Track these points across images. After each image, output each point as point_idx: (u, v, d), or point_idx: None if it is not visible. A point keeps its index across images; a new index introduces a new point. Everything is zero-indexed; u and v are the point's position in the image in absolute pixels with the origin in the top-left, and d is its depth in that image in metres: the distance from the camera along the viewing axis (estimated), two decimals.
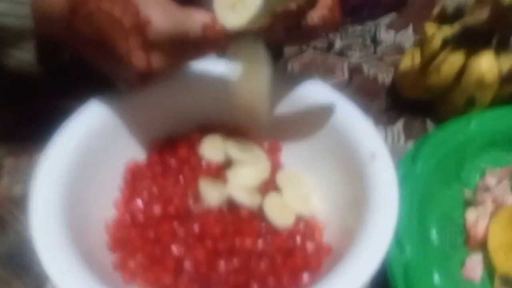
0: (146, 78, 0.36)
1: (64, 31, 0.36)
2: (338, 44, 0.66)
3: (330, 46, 0.65)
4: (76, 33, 0.35)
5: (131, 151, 0.43)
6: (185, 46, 0.35)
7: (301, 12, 0.37)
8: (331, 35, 0.67)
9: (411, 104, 0.56)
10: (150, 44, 0.33)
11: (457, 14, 0.48)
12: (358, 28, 0.68)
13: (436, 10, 0.50)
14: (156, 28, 0.33)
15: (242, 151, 0.42)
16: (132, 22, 0.33)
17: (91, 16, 0.33)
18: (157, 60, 0.34)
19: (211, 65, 0.43)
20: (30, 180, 0.45)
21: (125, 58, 0.34)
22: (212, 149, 0.43)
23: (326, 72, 0.61)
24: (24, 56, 0.37)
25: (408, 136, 0.54)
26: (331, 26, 0.40)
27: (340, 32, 0.67)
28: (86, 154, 0.39)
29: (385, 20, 0.69)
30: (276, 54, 0.62)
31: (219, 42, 0.35)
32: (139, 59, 0.34)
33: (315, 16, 0.38)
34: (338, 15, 0.40)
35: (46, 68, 0.39)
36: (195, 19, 0.34)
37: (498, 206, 0.44)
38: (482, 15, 0.44)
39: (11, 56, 0.37)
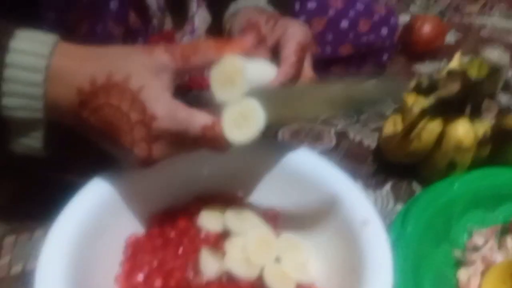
0: (146, 165, 0.38)
1: (72, 119, 0.38)
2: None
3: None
4: (83, 122, 0.37)
5: (132, 226, 0.44)
6: (184, 142, 0.37)
7: None
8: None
9: (397, 167, 0.59)
10: (152, 137, 0.36)
11: (431, 87, 0.52)
12: (352, 111, 0.72)
13: (412, 84, 0.54)
14: (160, 124, 0.36)
15: (240, 220, 0.44)
16: (139, 117, 0.36)
17: (99, 109, 0.36)
18: (157, 151, 0.37)
19: None
20: (30, 258, 0.46)
21: (128, 147, 0.37)
22: (210, 219, 0.44)
23: (314, 139, 0.65)
24: (32, 143, 0.39)
25: (396, 199, 0.56)
26: None
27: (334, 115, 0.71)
28: (89, 232, 0.40)
29: None
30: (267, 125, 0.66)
31: (217, 143, 0.37)
32: (141, 149, 0.37)
33: None
34: None
35: (51, 151, 0.41)
36: (196, 119, 0.36)
37: (487, 265, 0.46)
38: (453, 88, 0.49)
39: (19, 143, 0.39)
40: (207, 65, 0.38)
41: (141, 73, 0.36)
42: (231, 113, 0.37)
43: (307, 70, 0.43)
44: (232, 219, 0.44)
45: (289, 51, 0.41)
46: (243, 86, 0.37)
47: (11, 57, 0.35)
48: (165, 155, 0.38)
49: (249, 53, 0.40)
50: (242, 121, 0.37)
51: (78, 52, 0.37)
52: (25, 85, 0.36)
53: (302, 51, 0.41)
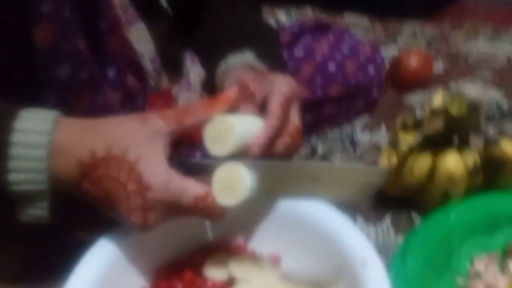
0: (142, 230, 0.41)
1: (73, 190, 0.40)
2: (320, 149, 0.72)
3: (313, 151, 0.71)
4: (83, 191, 0.40)
5: (139, 280, 0.45)
6: (178, 210, 0.40)
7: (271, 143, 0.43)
8: (313, 142, 0.73)
9: (395, 200, 0.60)
10: (147, 206, 0.39)
11: (417, 124, 0.54)
12: (337, 132, 0.75)
13: (398, 123, 0.57)
14: (154, 194, 0.38)
15: (245, 268, 0.45)
16: (135, 187, 0.38)
17: (99, 180, 0.39)
18: (152, 219, 0.40)
19: None
20: None
21: (125, 215, 0.39)
22: (215, 269, 0.46)
23: None
24: (38, 213, 0.41)
25: (396, 231, 0.57)
26: (293, 151, 0.46)
27: (321, 138, 0.74)
28: None
29: (360, 122, 0.76)
30: None
31: (210, 212, 0.40)
32: (137, 217, 0.39)
33: (279, 145, 0.44)
34: (299, 141, 0.46)
35: (57, 218, 0.43)
36: (189, 190, 0.39)
37: None
38: (437, 125, 0.51)
39: (25, 213, 0.41)
40: (200, 125, 0.41)
41: (138, 145, 0.39)
42: (219, 179, 0.40)
43: (294, 119, 0.46)
44: (237, 267, 0.45)
45: (274, 105, 0.43)
46: (233, 141, 0.40)
47: (16, 137, 0.38)
48: (159, 222, 0.40)
49: (236, 107, 0.43)
50: (230, 186, 0.39)
51: (78, 126, 0.40)
52: (30, 160, 0.38)
53: (287, 102, 0.44)
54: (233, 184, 0.39)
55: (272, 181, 0.42)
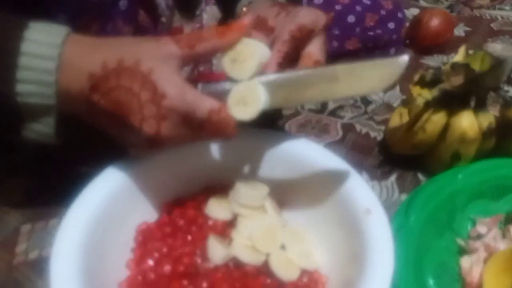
0: (154, 144, 0.40)
1: (82, 104, 0.40)
2: (331, 105, 0.71)
3: (324, 107, 0.70)
4: (93, 106, 0.39)
5: (143, 214, 0.46)
6: (191, 124, 0.39)
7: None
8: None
9: (402, 159, 0.60)
10: (161, 115, 0.38)
11: (435, 79, 0.53)
12: (353, 96, 0.73)
13: (416, 77, 0.55)
14: (169, 102, 0.37)
15: (250, 194, 0.45)
16: (149, 95, 0.37)
17: (110, 92, 0.38)
18: (165, 130, 0.39)
19: None
20: (46, 245, 0.48)
21: (137, 125, 0.38)
22: (218, 208, 0.46)
23: (321, 132, 0.66)
24: (43, 129, 0.41)
25: (401, 190, 0.57)
26: None
27: (337, 100, 0.72)
28: (102, 219, 0.41)
29: None
30: (276, 116, 0.67)
31: (223, 128, 0.39)
32: (150, 127, 0.38)
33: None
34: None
35: (63, 139, 0.43)
36: (204, 102, 0.38)
37: (490, 253, 0.46)
38: (457, 81, 0.49)
39: (31, 129, 0.41)
40: (212, 52, 0.40)
41: (151, 58, 0.38)
42: (235, 93, 0.40)
43: (315, 53, 0.44)
44: (239, 206, 0.45)
45: (284, 30, 0.42)
46: (254, 65, 0.40)
47: (26, 46, 0.37)
48: (172, 136, 0.39)
49: (248, 35, 0.41)
50: (244, 100, 0.40)
51: (89, 41, 0.39)
52: (39, 72, 0.38)
53: (299, 31, 0.42)
54: (247, 98, 0.39)
55: (288, 91, 0.41)
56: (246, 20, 0.41)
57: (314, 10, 0.45)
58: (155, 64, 0.38)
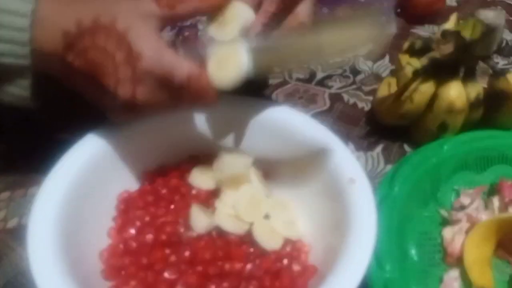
0: (130, 109, 0.38)
1: (56, 64, 0.38)
2: (319, 75, 0.69)
3: (312, 77, 0.69)
4: (68, 66, 0.37)
5: (124, 182, 0.45)
6: (170, 89, 0.37)
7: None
8: (312, 67, 0.71)
9: (389, 130, 0.59)
10: (137, 78, 0.36)
11: (425, 48, 0.52)
12: (338, 59, 0.72)
13: (405, 45, 0.54)
14: (145, 63, 0.36)
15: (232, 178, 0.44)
16: (124, 56, 0.36)
17: (85, 52, 0.36)
18: (141, 93, 0.37)
19: None
20: (25, 212, 0.47)
21: (112, 88, 0.36)
22: (201, 177, 0.45)
23: (308, 102, 0.65)
24: (19, 92, 0.39)
25: (387, 161, 0.57)
26: None
27: (321, 63, 0.71)
28: (81, 186, 0.41)
29: (362, 50, 0.73)
30: (262, 85, 0.66)
31: (203, 94, 0.37)
32: (125, 90, 0.36)
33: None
34: None
35: (40, 103, 0.41)
36: (183, 66, 0.36)
37: (472, 223, 0.47)
38: (447, 49, 0.48)
39: (6, 92, 0.39)
40: (193, 14, 0.39)
41: (128, 16, 0.36)
42: (215, 56, 0.38)
43: (302, 15, 0.43)
44: (223, 175, 0.44)
45: None
46: (234, 30, 0.39)
47: None
48: (149, 100, 0.37)
49: None
50: (226, 64, 0.38)
51: None
52: (11, 30, 0.36)
53: None
54: (228, 62, 0.38)
55: (270, 57, 0.40)
56: None
57: None
58: (132, 22, 0.36)
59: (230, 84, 0.38)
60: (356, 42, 0.39)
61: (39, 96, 0.40)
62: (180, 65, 0.37)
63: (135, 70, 0.36)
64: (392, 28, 0.39)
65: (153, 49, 0.36)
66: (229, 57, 0.38)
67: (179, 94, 0.38)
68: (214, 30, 0.40)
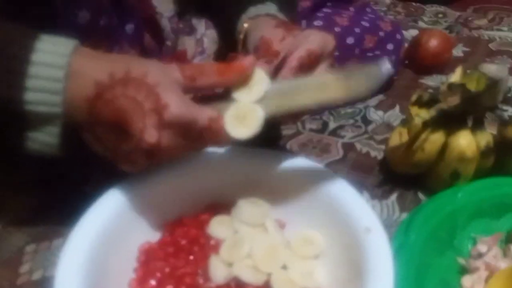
0: (152, 155, 0.40)
1: (83, 113, 0.40)
2: (331, 125, 0.72)
3: (324, 127, 0.71)
4: (94, 113, 0.40)
5: (145, 234, 0.46)
6: (191, 133, 0.40)
7: None
8: (325, 117, 0.73)
9: (402, 178, 0.60)
10: (163, 124, 0.39)
11: (433, 100, 0.54)
12: (349, 110, 0.74)
13: (413, 98, 0.56)
14: (172, 112, 0.39)
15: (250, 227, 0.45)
16: (152, 105, 0.38)
17: (115, 100, 0.39)
18: (165, 140, 0.39)
19: (217, 152, 0.48)
20: (50, 265, 0.48)
21: (138, 134, 0.39)
22: (219, 228, 0.46)
23: (321, 151, 0.66)
24: (48, 139, 0.41)
25: (402, 209, 0.57)
26: None
27: (333, 114, 0.73)
28: (105, 239, 0.42)
29: (373, 101, 0.76)
30: (275, 136, 0.68)
31: (220, 135, 0.41)
32: (151, 135, 0.39)
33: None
34: None
35: (66, 154, 0.43)
36: (204, 111, 0.40)
37: (491, 272, 0.46)
38: (454, 101, 0.50)
39: (35, 139, 0.41)
40: (212, 88, 0.42)
41: (158, 73, 0.39)
42: (232, 111, 0.41)
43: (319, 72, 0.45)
44: (241, 225, 0.45)
45: (294, 56, 0.43)
46: (261, 91, 0.42)
47: (37, 56, 0.38)
48: (170, 146, 0.40)
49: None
50: (243, 119, 0.41)
51: (97, 54, 0.41)
52: (48, 80, 0.39)
53: (309, 58, 0.44)
54: (247, 118, 0.41)
55: (279, 98, 0.43)
56: (246, 62, 0.42)
57: (323, 33, 0.46)
58: (161, 79, 0.39)
59: (246, 138, 0.41)
60: (358, 88, 0.42)
61: (65, 145, 0.42)
62: (201, 112, 0.40)
63: (162, 118, 0.38)
64: (387, 68, 0.42)
65: (179, 101, 0.39)
66: (247, 114, 0.41)
67: (200, 136, 0.40)
68: (240, 95, 0.42)
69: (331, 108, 0.73)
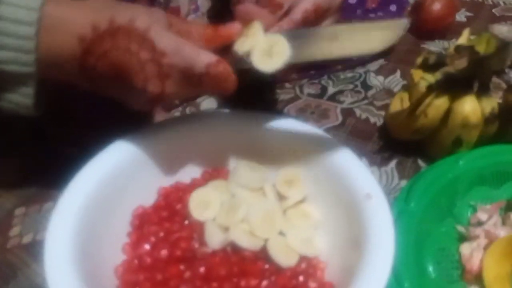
0: (158, 102, 0.39)
1: (74, 70, 0.38)
2: (330, 90, 0.70)
3: (323, 92, 0.69)
4: (89, 71, 0.37)
5: (139, 197, 0.45)
6: (191, 79, 0.38)
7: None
8: (323, 82, 0.71)
9: (402, 145, 0.59)
10: (164, 73, 0.37)
11: (439, 63, 0.52)
12: (349, 74, 0.72)
13: (419, 60, 0.54)
14: (170, 59, 0.37)
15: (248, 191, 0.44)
16: (149, 55, 0.36)
17: (107, 54, 0.36)
18: (169, 88, 0.38)
19: (214, 116, 0.46)
20: (40, 228, 0.47)
21: (141, 86, 0.37)
22: (215, 192, 0.45)
23: (320, 117, 0.65)
24: (22, 100, 0.39)
25: (401, 176, 0.56)
26: None
27: (332, 79, 0.71)
28: (97, 202, 0.41)
29: (374, 66, 0.74)
30: (273, 101, 0.66)
31: (222, 81, 0.38)
32: (155, 86, 0.37)
33: None
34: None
35: (43, 113, 0.41)
36: (202, 57, 0.37)
37: (491, 240, 0.46)
38: (461, 64, 0.48)
39: (8, 99, 0.39)
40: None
41: (144, 16, 0.37)
42: (260, 45, 0.39)
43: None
44: (238, 188, 0.44)
45: (299, 8, 0.41)
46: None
47: (2, 10, 0.35)
48: (175, 92, 0.38)
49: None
50: (270, 52, 0.39)
51: (72, 3, 0.37)
52: (17, 38, 0.36)
53: (315, 12, 0.41)
54: (273, 51, 0.39)
55: (301, 47, 0.40)
56: (234, 28, 0.40)
57: None
58: (150, 23, 0.36)
59: (275, 70, 0.39)
60: (370, 43, 0.40)
61: (41, 105, 0.40)
62: (198, 56, 0.37)
63: (161, 66, 0.36)
64: (402, 27, 0.40)
65: (174, 45, 0.37)
66: (272, 46, 0.39)
67: (200, 82, 0.38)
68: (240, 45, 0.40)
69: (331, 72, 0.71)
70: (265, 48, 0.39)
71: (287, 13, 0.42)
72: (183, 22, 0.41)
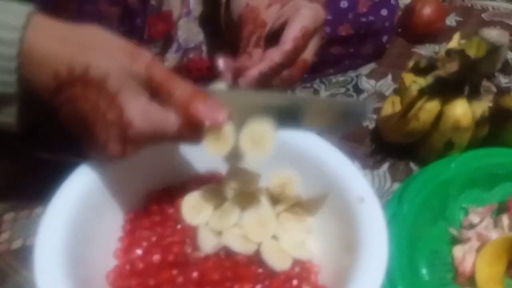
0: (116, 159, 0.38)
1: (44, 97, 0.37)
2: (322, 93, 0.70)
3: (316, 94, 0.69)
4: (57, 105, 0.37)
5: (131, 202, 0.44)
6: (159, 140, 0.37)
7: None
8: (315, 86, 0.71)
9: (394, 148, 0.59)
10: (128, 138, 0.36)
11: (430, 66, 0.52)
12: (341, 78, 0.72)
13: (410, 64, 0.54)
14: (137, 129, 0.36)
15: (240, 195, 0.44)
16: (115, 118, 0.35)
17: (76, 99, 0.35)
18: (131, 151, 0.37)
19: None
20: (30, 234, 0.46)
21: (101, 144, 0.37)
22: (207, 197, 0.45)
23: None
24: (4, 119, 0.38)
25: (393, 179, 0.57)
26: (288, 85, 0.45)
27: (324, 83, 0.72)
28: (88, 207, 0.40)
29: (365, 70, 0.74)
30: None
31: (194, 139, 0.38)
32: (115, 148, 0.37)
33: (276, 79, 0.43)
34: (299, 76, 0.45)
35: (26, 129, 0.40)
36: (172, 120, 0.36)
37: (483, 242, 0.46)
38: (452, 67, 0.49)
39: None
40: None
41: (119, 75, 0.35)
42: (248, 134, 0.40)
43: (308, 53, 0.43)
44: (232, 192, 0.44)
45: (288, 37, 0.41)
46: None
47: None
48: (138, 152, 0.38)
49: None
50: (259, 141, 0.40)
51: (56, 30, 0.36)
52: None
53: (303, 38, 0.41)
54: (262, 140, 0.39)
55: (252, 111, 0.40)
56: (219, 116, 0.37)
57: (313, 5, 0.44)
58: (122, 83, 0.35)
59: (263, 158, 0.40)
60: (332, 117, 0.41)
61: (25, 122, 0.39)
62: (169, 121, 0.36)
63: (125, 134, 0.36)
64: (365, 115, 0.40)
65: (143, 115, 0.36)
66: (262, 136, 0.39)
67: (171, 141, 0.38)
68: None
69: (323, 75, 0.71)
70: (253, 138, 0.39)
71: (275, 43, 0.42)
72: (168, 79, 0.37)
